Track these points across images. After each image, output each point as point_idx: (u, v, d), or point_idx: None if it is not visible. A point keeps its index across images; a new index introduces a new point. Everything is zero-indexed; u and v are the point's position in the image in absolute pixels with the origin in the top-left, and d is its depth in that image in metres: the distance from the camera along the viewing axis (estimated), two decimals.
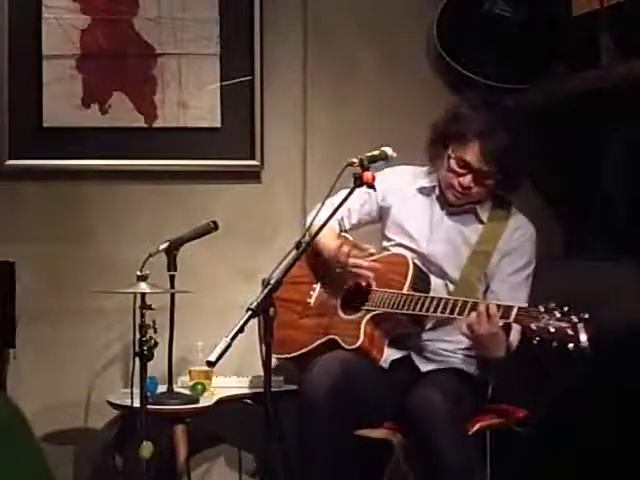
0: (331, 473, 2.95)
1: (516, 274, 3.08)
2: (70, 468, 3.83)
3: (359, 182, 2.97)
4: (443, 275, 3.13)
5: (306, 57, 3.89)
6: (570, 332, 2.59)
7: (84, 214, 3.86)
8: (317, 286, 3.32)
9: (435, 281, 3.11)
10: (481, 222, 3.16)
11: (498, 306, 2.80)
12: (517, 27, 3.74)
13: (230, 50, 3.83)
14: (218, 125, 3.84)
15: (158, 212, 3.84)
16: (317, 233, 2.81)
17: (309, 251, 3.02)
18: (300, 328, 3.21)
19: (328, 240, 3.21)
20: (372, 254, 3.16)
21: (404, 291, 3.04)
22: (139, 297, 3.04)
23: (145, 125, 3.83)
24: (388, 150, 3.12)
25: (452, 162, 3.08)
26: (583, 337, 2.57)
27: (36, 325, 3.77)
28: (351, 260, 3.13)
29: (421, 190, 3.24)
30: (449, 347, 3.14)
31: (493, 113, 3.06)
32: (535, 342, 2.67)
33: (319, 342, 3.14)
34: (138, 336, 3.02)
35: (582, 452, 3.21)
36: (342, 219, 3.32)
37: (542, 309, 2.66)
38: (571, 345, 2.58)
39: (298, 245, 2.73)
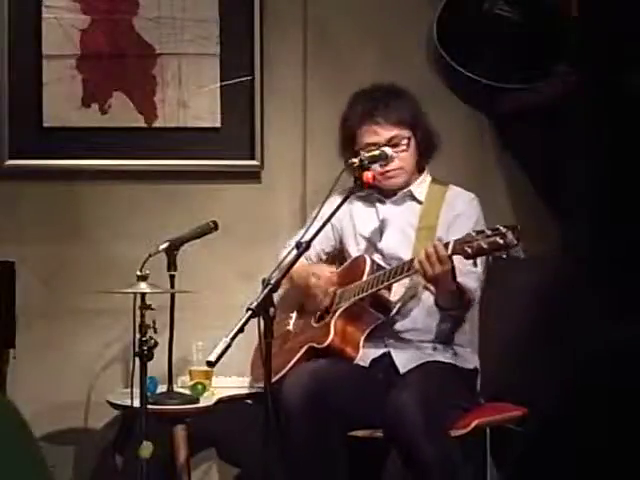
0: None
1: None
2: (70, 468, 3.83)
3: (359, 182, 2.99)
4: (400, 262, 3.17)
5: (306, 57, 3.89)
6: (500, 240, 2.70)
7: (84, 214, 3.86)
8: (293, 314, 3.40)
9: None
10: (419, 202, 3.27)
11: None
12: (517, 27, 3.74)
13: (230, 50, 3.83)
14: (218, 125, 3.84)
15: (158, 212, 3.84)
16: (313, 238, 2.83)
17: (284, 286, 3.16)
18: (284, 354, 3.24)
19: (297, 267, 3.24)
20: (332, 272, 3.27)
21: (364, 279, 3.13)
22: (139, 297, 3.04)
23: (145, 125, 3.83)
24: (388, 150, 3.15)
25: (363, 153, 3.15)
26: (510, 237, 2.68)
27: (36, 325, 3.77)
28: (312, 280, 3.22)
29: (360, 198, 3.32)
30: (424, 337, 3.17)
31: (364, 97, 3.28)
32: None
33: (299, 355, 3.17)
34: (138, 336, 3.02)
35: (582, 451, 3.22)
36: (307, 256, 3.34)
37: (474, 233, 2.78)
38: (504, 255, 2.70)
39: (298, 245, 2.75)
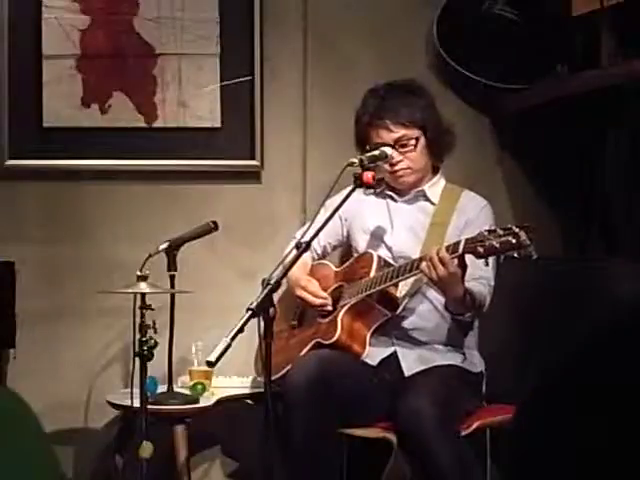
0: (313, 470, 2.96)
1: None
2: (70, 468, 3.83)
3: (359, 182, 2.99)
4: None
5: (306, 57, 3.89)
6: (513, 240, 2.68)
7: (84, 214, 3.86)
8: (299, 309, 3.39)
9: None
10: (432, 203, 3.27)
11: (447, 246, 2.89)
12: (517, 27, 3.74)
13: (230, 50, 3.83)
14: (218, 125, 3.84)
15: (158, 212, 3.84)
16: (313, 238, 2.84)
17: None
18: (290, 349, 3.25)
19: (291, 273, 3.17)
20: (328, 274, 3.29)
21: (370, 276, 3.12)
22: (139, 297, 3.04)
23: (145, 125, 3.83)
24: (388, 150, 3.15)
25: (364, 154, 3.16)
26: (523, 236, 2.65)
27: (36, 325, 3.77)
28: (302, 293, 3.21)
29: (372, 193, 3.31)
30: (434, 338, 3.17)
31: (376, 95, 3.27)
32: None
33: (307, 349, 3.17)
34: (138, 336, 3.02)
35: (582, 451, 3.21)
36: (312, 249, 3.34)
37: (486, 232, 2.75)
38: (516, 254, 2.67)
39: (298, 245, 2.75)
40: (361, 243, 3.32)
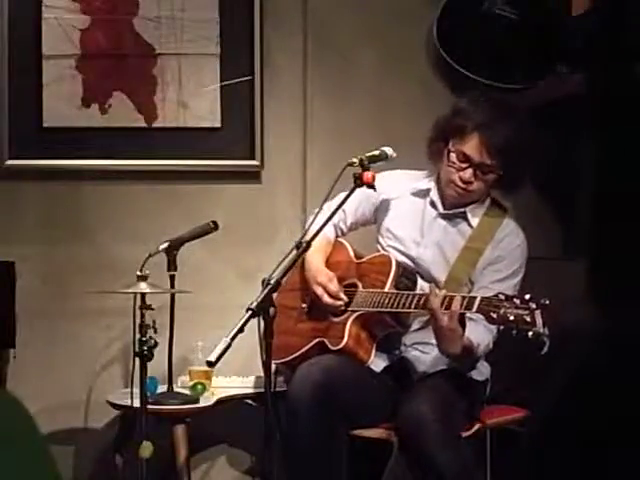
0: (319, 476, 2.96)
1: (500, 283, 3.02)
2: (70, 468, 3.83)
3: (359, 182, 2.97)
4: (431, 279, 3.11)
5: (306, 57, 3.89)
6: (528, 319, 2.59)
7: (84, 214, 3.86)
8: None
9: (422, 284, 3.08)
10: (471, 226, 3.14)
11: (462, 297, 2.79)
12: (517, 27, 3.74)
13: (230, 50, 3.83)
14: (218, 125, 3.84)
15: (158, 212, 3.84)
16: (316, 234, 2.81)
17: (302, 259, 3.05)
18: (296, 333, 3.21)
19: (313, 258, 3.18)
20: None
21: (385, 290, 3.03)
22: (139, 297, 3.04)
23: (145, 125, 3.83)
24: (388, 150, 3.13)
25: (452, 156, 3.07)
26: (539, 322, 2.56)
27: (36, 325, 3.77)
28: (318, 289, 3.13)
29: (415, 193, 3.23)
30: (438, 353, 3.08)
31: (494, 107, 3.07)
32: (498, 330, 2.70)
33: (309, 346, 3.14)
34: (138, 336, 3.02)
35: (582, 450, 3.22)
36: (338, 222, 3.31)
37: (503, 297, 2.66)
38: (530, 333, 2.57)
39: (298, 245, 2.74)
40: (384, 240, 3.22)
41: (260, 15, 3.82)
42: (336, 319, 3.14)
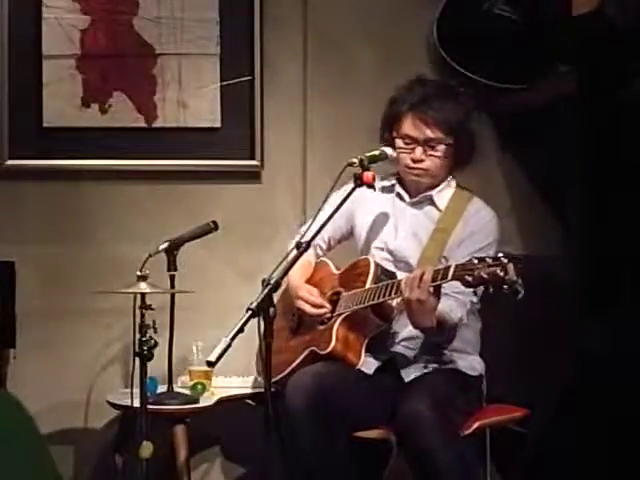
0: None
1: (477, 254, 2.97)
2: (70, 468, 3.83)
3: (359, 182, 2.98)
4: (409, 269, 3.12)
5: (306, 57, 3.89)
6: (500, 272, 2.61)
7: (84, 214, 3.86)
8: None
9: (402, 275, 3.09)
10: (438, 210, 3.21)
11: (436, 270, 2.82)
12: (517, 27, 3.74)
13: (230, 50, 3.83)
14: (218, 125, 3.84)
15: (158, 212, 3.84)
16: (314, 237, 2.84)
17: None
18: (288, 350, 3.22)
19: (292, 277, 3.20)
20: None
21: (366, 287, 3.07)
22: (139, 297, 3.04)
23: (145, 125, 3.83)
24: (388, 150, 3.14)
25: (399, 142, 3.17)
26: (511, 272, 2.59)
27: (36, 325, 3.77)
28: (300, 303, 3.18)
29: (382, 190, 3.28)
30: (429, 346, 3.12)
31: (427, 87, 3.20)
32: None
33: (301, 357, 3.16)
34: (138, 336, 3.03)
35: (583, 450, 3.22)
36: (316, 245, 3.32)
37: (476, 261, 2.69)
38: (505, 286, 2.60)
39: (298, 245, 2.75)
40: (362, 241, 3.29)
41: (260, 15, 3.82)
42: (323, 327, 3.16)
